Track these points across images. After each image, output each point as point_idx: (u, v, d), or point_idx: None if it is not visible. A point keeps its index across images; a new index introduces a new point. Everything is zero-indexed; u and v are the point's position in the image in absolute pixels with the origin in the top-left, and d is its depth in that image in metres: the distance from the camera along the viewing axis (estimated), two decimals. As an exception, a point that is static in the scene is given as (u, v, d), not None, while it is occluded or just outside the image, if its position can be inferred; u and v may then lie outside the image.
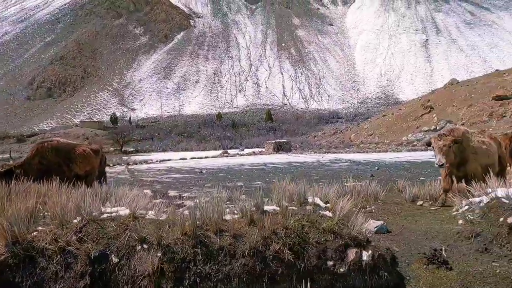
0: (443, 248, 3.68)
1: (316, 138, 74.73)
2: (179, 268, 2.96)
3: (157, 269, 2.90)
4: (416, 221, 4.71)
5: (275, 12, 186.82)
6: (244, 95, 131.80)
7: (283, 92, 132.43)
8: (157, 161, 31.81)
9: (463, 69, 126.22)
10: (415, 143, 36.39)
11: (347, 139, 51.09)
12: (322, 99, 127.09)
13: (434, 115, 42.10)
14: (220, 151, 50.35)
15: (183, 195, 8.18)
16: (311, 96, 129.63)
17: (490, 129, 32.87)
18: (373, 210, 5.40)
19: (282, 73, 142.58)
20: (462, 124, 36.92)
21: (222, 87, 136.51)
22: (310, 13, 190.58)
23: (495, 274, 3.24)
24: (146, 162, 30.65)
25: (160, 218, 3.57)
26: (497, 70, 59.38)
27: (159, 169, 19.86)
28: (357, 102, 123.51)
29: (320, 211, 3.55)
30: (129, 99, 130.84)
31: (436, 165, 5.20)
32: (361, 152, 35.44)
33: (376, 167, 14.39)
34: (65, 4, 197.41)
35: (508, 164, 10.08)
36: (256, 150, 50.91)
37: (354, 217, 3.41)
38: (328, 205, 3.69)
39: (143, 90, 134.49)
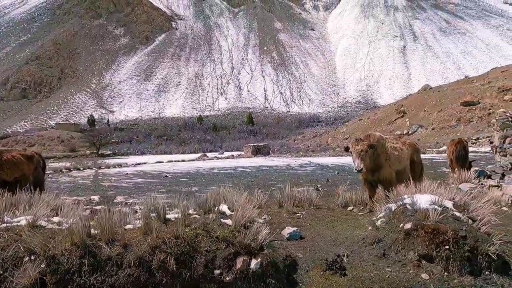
0: (346, 254, 3.77)
1: (296, 141, 75.39)
2: (62, 280, 2.92)
3: (35, 281, 2.85)
4: (333, 227, 4.81)
5: (257, 16, 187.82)
6: (226, 98, 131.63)
7: (265, 95, 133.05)
8: (132, 164, 31.19)
9: (438, 75, 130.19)
10: (387, 147, 37.18)
11: (324, 143, 51.76)
12: (303, 103, 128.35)
13: (407, 119, 43.24)
14: (199, 154, 50.10)
15: (129, 201, 8.09)
16: (292, 100, 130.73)
17: (458, 134, 34.01)
18: (301, 216, 5.48)
19: (263, 77, 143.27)
20: (433, 129, 38.11)
21: (203, 90, 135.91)
22: (292, 17, 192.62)
23: (384, 279, 3.34)
24: (120, 165, 29.99)
25: (62, 228, 3.52)
26: (466, 76, 61.63)
27: (126, 173, 19.53)
28: (337, 106, 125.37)
29: (221, 219, 3.58)
30: (108, 101, 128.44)
31: (355, 171, 5.21)
32: (335, 155, 35.90)
33: (337, 172, 14.61)
34: (42, 3, 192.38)
35: (454, 169, 10.44)
36: (236, 153, 50.97)
37: (254, 224, 3.45)
38: (233, 212, 3.73)
39: (123, 92, 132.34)
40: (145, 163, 33.79)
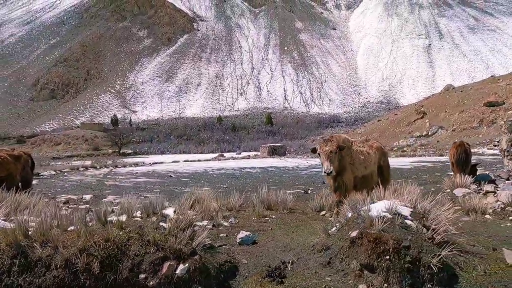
0: (291, 261, 3.68)
1: (314, 142, 74.84)
2: (-10, 279, 3.00)
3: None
4: (293, 232, 4.71)
5: (278, 16, 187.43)
6: (245, 98, 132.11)
7: (285, 95, 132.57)
8: (149, 163, 31.94)
9: (465, 74, 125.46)
10: (405, 148, 36.19)
11: (341, 144, 51.08)
12: (323, 103, 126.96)
13: (427, 120, 41.89)
14: (216, 154, 50.67)
15: (116, 200, 8.25)
16: (312, 100, 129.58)
17: (480, 135, 32.62)
18: (269, 220, 5.40)
19: (283, 77, 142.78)
20: (453, 130, 36.73)
21: (223, 90, 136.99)
22: (314, 17, 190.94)
23: (320, 289, 3.24)
24: (136, 164, 30.72)
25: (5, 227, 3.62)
26: (492, 76, 58.95)
27: (136, 173, 19.96)
28: (358, 106, 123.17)
29: (160, 223, 3.58)
30: (131, 101, 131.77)
31: (324, 173, 4.95)
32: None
33: None
34: (71, 7, 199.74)
35: (457, 173, 10.02)
36: (252, 153, 51.19)
37: (188, 229, 3.42)
38: (175, 216, 3.72)
39: (145, 93, 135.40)
40: (162, 162, 34.50)
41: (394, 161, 24.08)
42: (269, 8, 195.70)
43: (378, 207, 3.95)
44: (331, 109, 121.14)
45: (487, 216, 5.66)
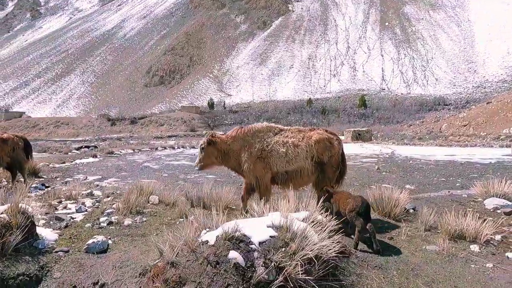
0: (103, 283, 3.05)
1: (411, 127, 68.03)
2: None
3: None
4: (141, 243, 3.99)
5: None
6: (339, 80, 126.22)
7: (382, 76, 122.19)
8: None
9: None
10: (516, 137, 29.65)
11: (436, 130, 44.68)
12: (427, 83, 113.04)
13: (554, 103, 33.45)
14: (298, 138, 49.98)
15: (102, 183, 8.52)
16: (414, 80, 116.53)
17: None
18: (177, 222, 4.74)
19: (382, 55, 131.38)
20: None
21: (316, 72, 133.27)
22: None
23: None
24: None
25: None
26: None
27: (185, 156, 20.67)
28: (472, 86, 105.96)
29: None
30: (227, 85, 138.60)
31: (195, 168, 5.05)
32: (443, 145, 30.39)
33: (376, 167, 12.26)
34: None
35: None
36: (337, 138, 49.17)
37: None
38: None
39: (240, 77, 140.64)
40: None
41: (486, 153, 19.89)
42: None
43: (228, 228, 2.97)
44: (436, 90, 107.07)
45: (474, 247, 3.93)
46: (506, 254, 3.73)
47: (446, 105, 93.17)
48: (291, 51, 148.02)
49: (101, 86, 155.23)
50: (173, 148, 30.18)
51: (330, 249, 2.99)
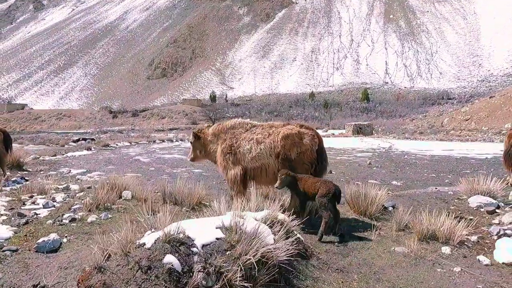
0: (43, 286, 2.90)
1: (414, 121, 67.48)
2: None
3: None
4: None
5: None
6: (342, 73, 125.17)
7: (386, 69, 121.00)
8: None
9: None
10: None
11: (438, 124, 44.17)
12: (431, 77, 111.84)
13: (557, 97, 32.85)
14: (300, 131, 49.71)
15: (84, 177, 8.38)
16: (418, 74, 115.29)
17: None
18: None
19: (386, 48, 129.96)
20: None
21: (318, 65, 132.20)
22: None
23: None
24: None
25: None
26: None
27: (180, 149, 20.53)
28: (477, 80, 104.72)
29: None
30: (229, 78, 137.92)
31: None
32: (443, 140, 30.00)
33: (368, 161, 12.03)
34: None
35: (507, 170, 7.46)
36: (337, 132, 48.92)
37: None
38: None
39: (242, 69, 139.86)
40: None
41: (487, 147, 19.57)
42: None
43: (170, 229, 2.79)
44: (440, 83, 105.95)
45: (445, 249, 3.74)
46: (478, 257, 3.54)
47: (450, 99, 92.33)
48: (294, 43, 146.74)
49: (104, 79, 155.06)
50: (171, 141, 30.12)
51: (283, 252, 2.81)
